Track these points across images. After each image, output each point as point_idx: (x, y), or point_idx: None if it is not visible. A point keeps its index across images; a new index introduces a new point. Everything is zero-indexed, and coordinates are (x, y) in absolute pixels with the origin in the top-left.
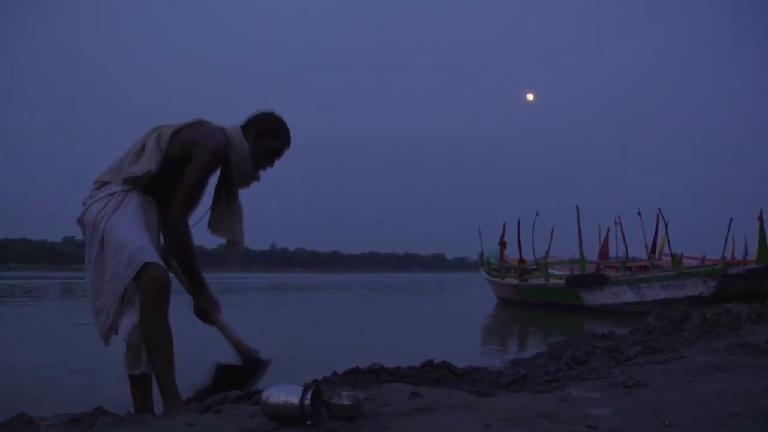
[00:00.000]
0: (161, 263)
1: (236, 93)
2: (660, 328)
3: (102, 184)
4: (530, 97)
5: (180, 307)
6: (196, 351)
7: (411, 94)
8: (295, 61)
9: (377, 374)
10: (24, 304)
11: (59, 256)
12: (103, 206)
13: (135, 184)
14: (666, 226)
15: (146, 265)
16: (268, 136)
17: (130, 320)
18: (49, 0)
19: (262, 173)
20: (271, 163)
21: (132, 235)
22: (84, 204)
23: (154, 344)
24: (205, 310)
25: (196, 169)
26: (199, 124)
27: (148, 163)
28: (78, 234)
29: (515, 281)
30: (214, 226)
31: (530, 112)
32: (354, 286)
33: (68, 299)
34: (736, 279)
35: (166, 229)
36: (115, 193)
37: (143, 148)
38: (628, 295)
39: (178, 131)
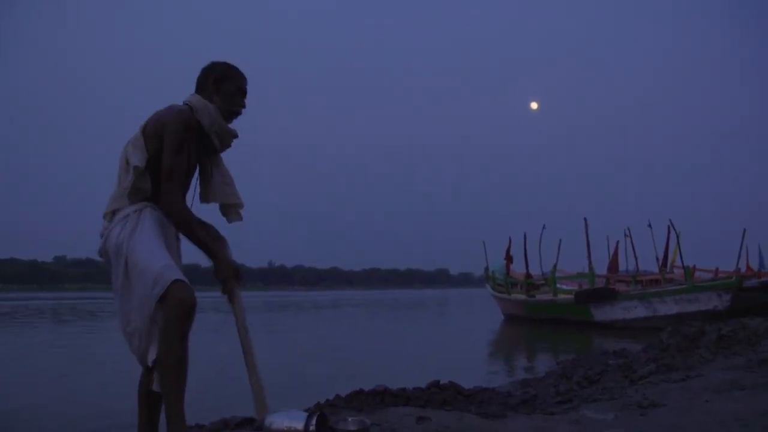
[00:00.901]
0: (187, 281)
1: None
2: (675, 345)
3: (112, 214)
4: (534, 105)
5: (205, 330)
6: (210, 379)
7: (411, 94)
8: (295, 61)
9: (382, 396)
10: (35, 326)
11: (50, 276)
12: (120, 229)
13: (141, 194)
14: (677, 237)
15: (173, 283)
16: (224, 81)
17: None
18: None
19: (239, 134)
20: (242, 104)
21: (154, 253)
22: (101, 236)
23: (168, 363)
24: (222, 279)
25: (169, 142)
26: (157, 111)
27: (136, 162)
28: (69, 253)
29: (522, 297)
30: (206, 195)
31: (534, 116)
32: (355, 304)
33: (73, 320)
34: (752, 292)
35: (163, 211)
36: (128, 215)
37: (128, 162)
38: (639, 310)
39: (145, 127)
